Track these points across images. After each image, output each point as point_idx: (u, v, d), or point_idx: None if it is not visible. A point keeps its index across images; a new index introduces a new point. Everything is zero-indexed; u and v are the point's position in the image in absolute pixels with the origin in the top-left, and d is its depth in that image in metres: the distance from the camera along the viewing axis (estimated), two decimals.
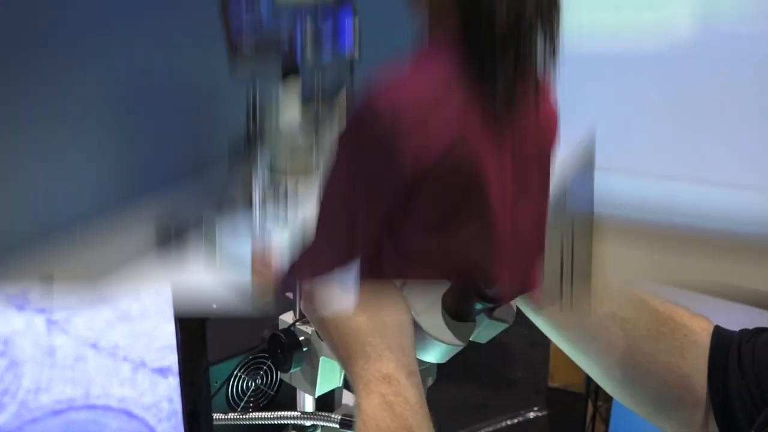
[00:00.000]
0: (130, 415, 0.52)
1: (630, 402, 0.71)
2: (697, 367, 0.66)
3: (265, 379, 0.96)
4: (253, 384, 0.95)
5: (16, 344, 0.45)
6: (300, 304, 0.60)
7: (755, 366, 0.63)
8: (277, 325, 0.91)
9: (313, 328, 0.86)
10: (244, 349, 0.94)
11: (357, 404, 0.53)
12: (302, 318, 0.88)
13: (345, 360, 0.55)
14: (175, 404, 0.55)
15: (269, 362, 0.97)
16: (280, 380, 0.98)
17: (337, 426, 0.84)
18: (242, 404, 0.93)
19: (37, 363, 0.47)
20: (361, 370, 0.54)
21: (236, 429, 0.86)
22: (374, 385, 0.52)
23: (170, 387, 0.55)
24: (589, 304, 0.68)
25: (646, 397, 0.69)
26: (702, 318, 0.70)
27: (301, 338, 0.85)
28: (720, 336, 0.67)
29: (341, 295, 0.56)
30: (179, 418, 0.56)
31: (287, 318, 0.90)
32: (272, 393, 0.97)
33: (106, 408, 0.51)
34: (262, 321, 0.99)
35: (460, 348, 0.62)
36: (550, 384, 3.37)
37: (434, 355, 0.62)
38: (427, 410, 0.53)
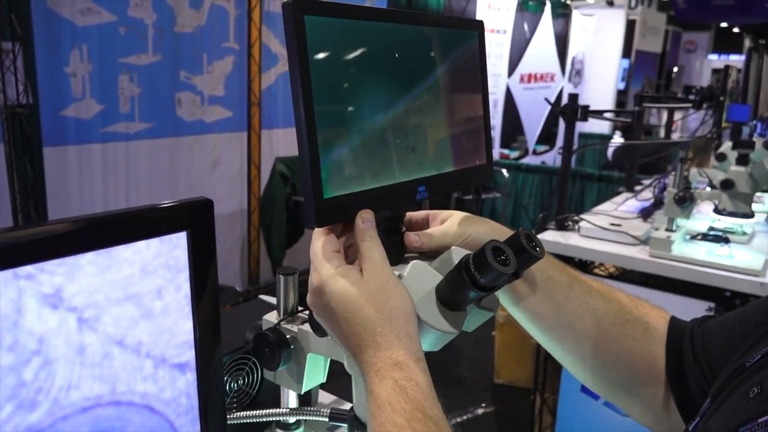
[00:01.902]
0: (151, 410, 0.53)
1: (601, 387, 0.78)
2: (658, 351, 0.73)
3: (247, 379, 0.97)
4: (236, 385, 0.96)
5: (50, 343, 0.46)
6: (307, 299, 0.62)
7: (705, 348, 0.71)
8: (260, 326, 0.93)
9: (298, 327, 0.88)
10: (226, 351, 0.95)
11: (369, 391, 0.56)
12: (286, 317, 0.91)
13: (355, 349, 0.58)
14: (192, 399, 0.57)
15: (251, 363, 0.98)
16: (262, 380, 0.99)
17: (327, 420, 0.86)
18: (225, 405, 0.93)
19: (69, 361, 0.47)
20: (372, 357, 0.56)
21: None
22: (386, 371, 0.55)
23: (188, 382, 0.56)
24: (566, 295, 0.74)
25: (616, 381, 0.76)
26: (660, 308, 0.78)
27: (288, 336, 0.87)
28: (675, 324, 0.75)
29: (350, 288, 0.58)
30: (195, 412, 0.57)
31: (271, 318, 0.92)
32: (254, 393, 0.98)
33: (130, 404, 0.52)
34: (242, 323, 1.00)
35: (453, 336, 0.66)
36: (496, 380, 3.49)
37: (429, 343, 0.65)
38: (434, 392, 0.57)
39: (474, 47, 0.76)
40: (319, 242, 0.61)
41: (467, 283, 0.61)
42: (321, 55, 0.59)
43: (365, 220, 0.62)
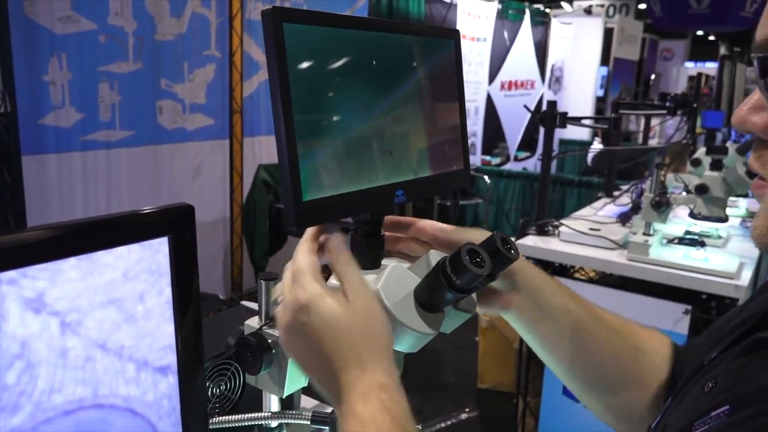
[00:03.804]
0: (134, 413, 0.54)
1: (591, 400, 0.79)
2: (650, 369, 0.76)
3: (229, 384, 0.98)
4: (218, 390, 0.96)
5: (32, 347, 0.47)
6: (284, 316, 0.62)
7: (681, 363, 0.74)
8: (242, 331, 0.93)
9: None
10: (208, 356, 0.96)
11: (351, 410, 0.55)
12: (268, 322, 0.91)
13: (337, 372, 0.57)
14: (174, 402, 0.57)
15: (233, 368, 0.98)
16: (244, 385, 1.00)
17: (308, 423, 0.87)
18: (207, 407, 0.94)
19: (51, 364, 0.48)
20: (356, 379, 0.56)
21: None
22: (372, 392, 0.55)
23: (170, 385, 0.57)
24: (590, 334, 0.76)
25: (608, 398, 0.78)
26: (652, 329, 0.81)
27: (270, 341, 0.88)
28: (674, 346, 0.78)
29: (338, 309, 0.59)
30: (177, 415, 0.58)
31: (253, 323, 0.92)
32: (236, 398, 0.99)
33: (113, 407, 0.52)
34: (224, 329, 1.01)
35: (431, 337, 0.67)
36: (480, 385, 3.51)
37: (407, 344, 0.67)
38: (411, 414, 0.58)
39: (450, 55, 0.78)
40: (307, 261, 0.62)
41: (444, 285, 0.63)
42: (300, 63, 0.60)
43: (336, 245, 0.62)
